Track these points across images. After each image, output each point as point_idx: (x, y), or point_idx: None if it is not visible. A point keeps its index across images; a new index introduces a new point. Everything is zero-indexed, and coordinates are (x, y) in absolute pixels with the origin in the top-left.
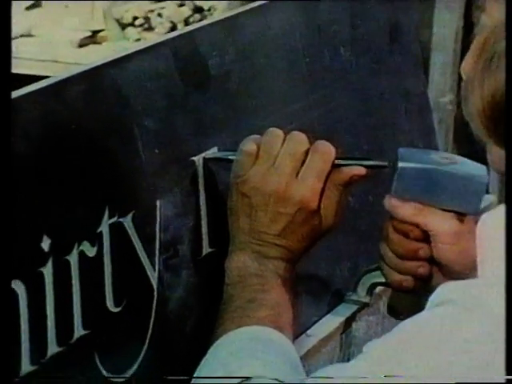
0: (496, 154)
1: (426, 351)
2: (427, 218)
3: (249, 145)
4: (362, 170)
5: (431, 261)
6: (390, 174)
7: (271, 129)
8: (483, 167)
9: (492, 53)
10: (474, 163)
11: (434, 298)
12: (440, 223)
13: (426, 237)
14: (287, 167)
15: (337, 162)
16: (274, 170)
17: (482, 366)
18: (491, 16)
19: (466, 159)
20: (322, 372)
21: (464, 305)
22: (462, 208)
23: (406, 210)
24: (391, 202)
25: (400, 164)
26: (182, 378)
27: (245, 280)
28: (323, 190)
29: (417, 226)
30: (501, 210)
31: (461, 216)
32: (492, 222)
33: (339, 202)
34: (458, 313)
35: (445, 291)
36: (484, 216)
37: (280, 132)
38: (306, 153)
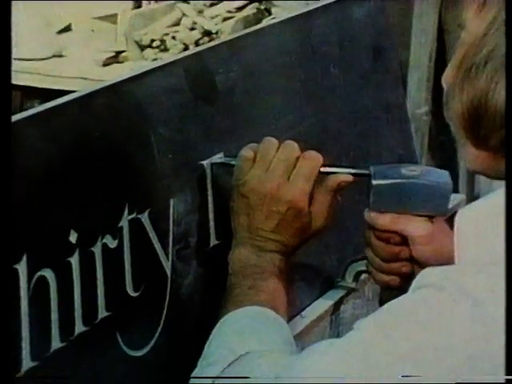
0: (472, 154)
1: (409, 327)
2: (403, 225)
3: (247, 152)
4: (349, 178)
5: (412, 260)
6: (366, 190)
7: (267, 138)
8: (446, 173)
9: (471, 64)
10: (438, 171)
11: (416, 281)
12: (415, 228)
13: (404, 240)
14: (280, 171)
15: (324, 169)
16: (268, 173)
17: (462, 345)
18: (470, 32)
19: (431, 168)
20: (317, 346)
21: (443, 287)
22: (432, 211)
23: (383, 220)
24: (370, 216)
25: (374, 182)
26: None
27: (245, 270)
28: (312, 191)
29: (395, 232)
30: (476, 204)
31: (431, 218)
32: (469, 215)
33: (330, 205)
34: (436, 294)
35: (426, 275)
36: (461, 210)
37: (275, 141)
38: (297, 159)
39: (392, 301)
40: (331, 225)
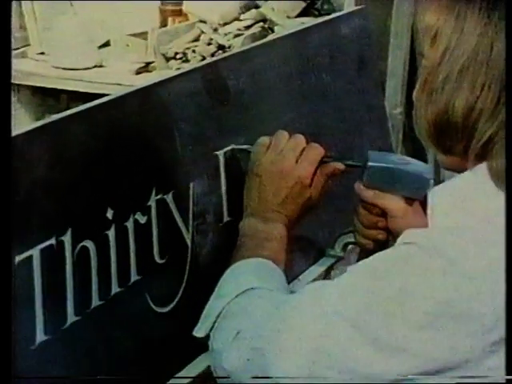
0: (442, 158)
1: (393, 275)
2: (383, 200)
3: (263, 140)
4: (341, 166)
5: (387, 230)
6: (362, 169)
7: (280, 130)
8: (430, 166)
9: (431, 89)
10: (423, 164)
11: (400, 238)
12: (391, 203)
13: (383, 213)
14: (289, 156)
15: (325, 159)
16: (280, 157)
17: (435, 293)
18: (429, 59)
19: (416, 161)
20: (311, 285)
21: (421, 245)
22: (412, 195)
23: (369, 194)
24: (360, 188)
25: (369, 163)
26: None
27: (254, 233)
28: (314, 174)
29: (377, 205)
30: (445, 184)
31: (410, 200)
32: (439, 192)
33: (324, 187)
34: (416, 250)
35: (409, 235)
36: (433, 189)
37: (286, 133)
38: (304, 149)
39: (380, 252)
40: (324, 204)
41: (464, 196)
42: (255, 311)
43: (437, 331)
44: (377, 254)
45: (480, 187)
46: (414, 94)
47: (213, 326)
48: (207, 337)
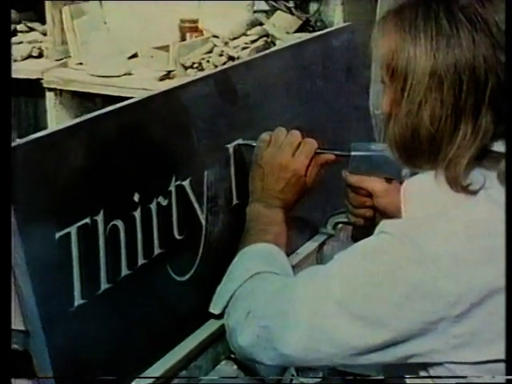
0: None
1: (371, 261)
2: (367, 182)
3: (265, 136)
4: (332, 157)
5: (373, 208)
6: (347, 158)
7: (279, 127)
8: None
9: (396, 111)
10: None
11: (378, 228)
12: (375, 185)
13: (369, 194)
14: (287, 150)
15: (318, 151)
16: (279, 151)
17: (404, 276)
18: (390, 92)
19: None
20: (307, 271)
21: (395, 234)
22: (391, 176)
23: (354, 179)
24: (347, 175)
25: (353, 153)
26: None
27: (258, 218)
28: (309, 165)
29: (362, 188)
30: (415, 177)
31: (390, 180)
32: (410, 184)
33: (318, 174)
34: (390, 239)
35: (385, 225)
36: (406, 181)
37: (284, 129)
38: (300, 143)
39: (361, 241)
40: (318, 189)
41: (430, 191)
42: (262, 293)
43: (410, 309)
44: (358, 243)
45: (442, 185)
46: (382, 105)
47: (226, 306)
48: (221, 315)
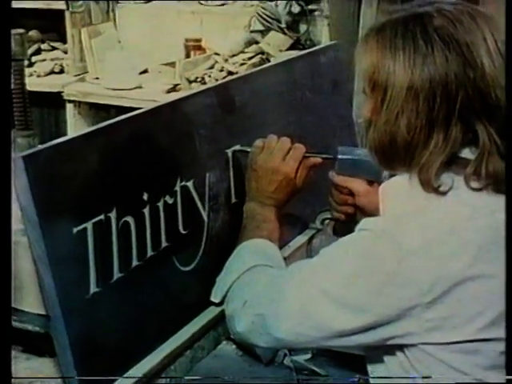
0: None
1: (353, 255)
2: (350, 183)
3: (258, 142)
4: (319, 160)
5: (354, 206)
6: (334, 161)
7: (271, 135)
8: None
9: (376, 125)
10: None
11: (359, 225)
12: (357, 185)
13: (351, 193)
14: (279, 155)
15: (306, 155)
16: (271, 156)
17: (382, 267)
18: (371, 103)
19: None
20: (297, 264)
21: (373, 230)
22: (372, 178)
23: (339, 179)
24: (333, 175)
25: (339, 156)
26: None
27: (254, 216)
28: (298, 168)
29: (346, 187)
30: (392, 179)
31: (371, 182)
32: (388, 185)
33: (307, 176)
34: (369, 235)
35: (365, 222)
36: (385, 182)
37: (275, 136)
38: (290, 148)
39: (343, 237)
40: (307, 188)
41: (405, 192)
42: (258, 285)
43: (387, 296)
44: (341, 239)
45: (416, 186)
46: (363, 112)
47: (225, 296)
48: (221, 303)
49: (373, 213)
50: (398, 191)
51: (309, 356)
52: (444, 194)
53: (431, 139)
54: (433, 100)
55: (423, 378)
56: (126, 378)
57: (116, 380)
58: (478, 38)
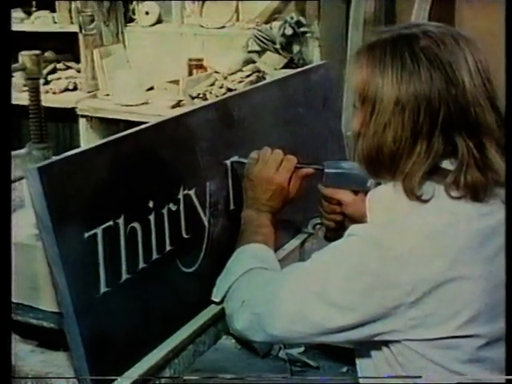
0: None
1: (342, 259)
2: (338, 194)
3: (254, 154)
4: (310, 170)
5: (342, 214)
6: (321, 175)
7: (265, 147)
8: None
9: (364, 137)
10: None
11: (347, 231)
12: (344, 196)
13: (339, 203)
14: (272, 166)
15: (297, 166)
16: (266, 167)
17: (369, 270)
18: (361, 116)
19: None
20: (291, 267)
21: (360, 235)
22: (358, 188)
23: (327, 191)
24: (321, 188)
25: (326, 170)
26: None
27: (251, 222)
28: (290, 178)
29: (334, 198)
30: (378, 188)
31: (356, 192)
32: (375, 193)
33: (300, 186)
34: (357, 240)
35: (353, 228)
36: (372, 191)
37: (269, 149)
38: (282, 160)
39: (333, 242)
40: (299, 196)
41: (390, 200)
42: (255, 286)
43: (373, 296)
44: (331, 244)
45: (400, 194)
46: (352, 125)
47: (225, 296)
48: (221, 302)
49: (359, 219)
50: (384, 199)
51: (302, 349)
52: (426, 201)
53: (415, 150)
54: (417, 114)
55: (414, 377)
56: (126, 378)
57: (116, 380)
58: (460, 58)
